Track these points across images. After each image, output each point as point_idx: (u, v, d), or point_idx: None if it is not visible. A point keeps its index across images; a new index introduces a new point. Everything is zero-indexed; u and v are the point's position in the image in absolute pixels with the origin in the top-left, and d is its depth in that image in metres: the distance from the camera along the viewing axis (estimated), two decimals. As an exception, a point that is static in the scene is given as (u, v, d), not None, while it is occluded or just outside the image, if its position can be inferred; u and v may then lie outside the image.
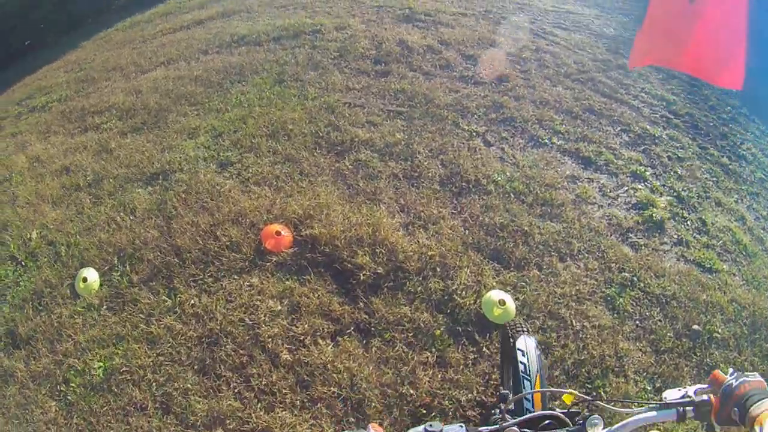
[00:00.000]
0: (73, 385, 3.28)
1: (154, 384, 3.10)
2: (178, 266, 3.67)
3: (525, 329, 2.35)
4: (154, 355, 3.23)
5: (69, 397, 3.26)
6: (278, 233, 3.66)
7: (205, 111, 5.52)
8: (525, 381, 2.03)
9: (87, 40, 10.12)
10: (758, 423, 0.96)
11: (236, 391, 2.97)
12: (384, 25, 6.83)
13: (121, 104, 6.13)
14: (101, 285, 3.79)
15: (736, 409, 1.09)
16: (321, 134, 4.75)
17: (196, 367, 3.12)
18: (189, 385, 3.02)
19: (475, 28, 7.05)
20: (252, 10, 8.62)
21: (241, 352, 3.12)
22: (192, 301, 3.42)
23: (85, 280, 3.78)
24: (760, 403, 1.03)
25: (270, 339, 3.14)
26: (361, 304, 3.31)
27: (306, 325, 3.19)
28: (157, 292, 3.58)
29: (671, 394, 1.28)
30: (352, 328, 3.21)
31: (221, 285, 3.48)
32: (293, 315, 3.28)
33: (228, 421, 2.84)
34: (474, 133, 4.91)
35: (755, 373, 1.18)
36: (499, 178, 4.35)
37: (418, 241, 3.67)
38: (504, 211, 4.02)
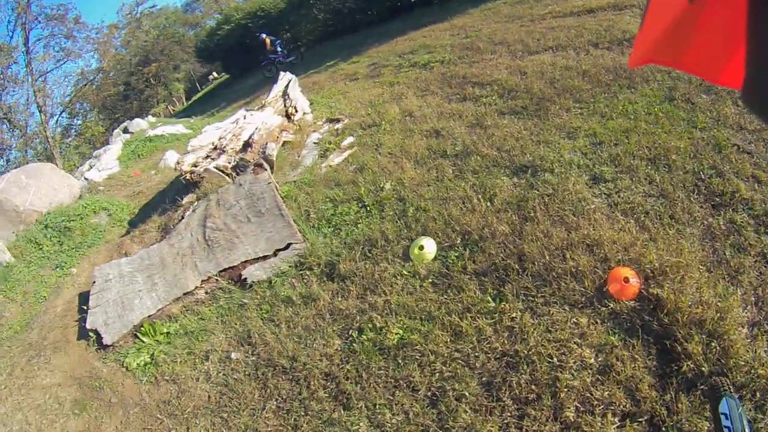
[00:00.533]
0: (364, 337, 3.44)
1: (437, 374, 3.04)
2: (516, 273, 3.45)
3: (726, 391, 2.20)
4: (453, 348, 3.14)
5: (354, 345, 3.44)
6: (626, 280, 3.12)
7: (589, 112, 5.08)
8: None
9: (474, 8, 10.57)
10: None
11: (505, 422, 2.71)
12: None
13: (504, 82, 6.13)
14: (435, 259, 3.82)
15: None
16: (702, 176, 3.88)
17: (484, 379, 2.93)
18: (466, 393, 2.87)
19: None
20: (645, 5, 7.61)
21: (532, 387, 2.80)
22: (514, 314, 3.19)
23: (421, 248, 3.87)
24: None
25: (566, 390, 2.73)
26: (668, 396, 2.60)
27: (606, 392, 2.67)
28: (485, 289, 3.44)
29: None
30: (645, 417, 2.56)
31: (549, 310, 3.15)
32: (600, 375, 2.77)
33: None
34: None
35: None
36: None
37: (756, 353, 2.66)
38: None
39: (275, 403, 3.47)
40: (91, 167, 10.46)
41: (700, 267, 3.18)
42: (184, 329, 4.51)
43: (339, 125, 6.82)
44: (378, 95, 7.19)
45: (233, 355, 4.03)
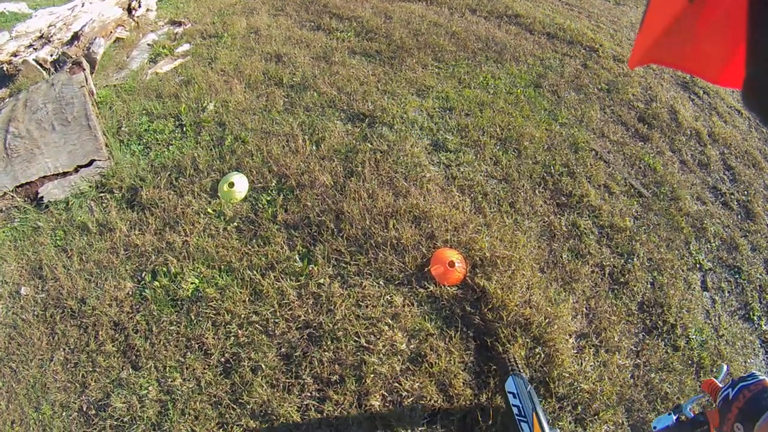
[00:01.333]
0: (157, 282, 3.11)
1: (231, 339, 2.80)
2: (330, 233, 3.23)
3: (513, 369, 2.21)
4: (251, 309, 2.91)
5: (146, 291, 3.09)
6: (452, 264, 2.97)
7: (447, 74, 4.89)
8: (522, 424, 1.92)
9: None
10: None
11: (305, 403, 2.57)
12: (663, 80, 5.63)
13: (365, 20, 5.72)
14: (245, 200, 3.51)
15: (739, 425, 0.99)
16: (552, 171, 3.88)
17: (283, 350, 2.75)
18: (263, 365, 2.68)
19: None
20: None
21: (335, 367, 2.65)
22: (321, 280, 2.98)
23: (231, 185, 3.54)
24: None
25: (372, 375, 2.61)
26: (484, 397, 2.59)
27: (417, 384, 2.59)
28: (294, 245, 3.20)
29: (661, 422, 1.19)
30: (458, 416, 2.52)
31: (362, 282, 2.96)
32: (412, 364, 2.67)
33: (273, 422, 2.50)
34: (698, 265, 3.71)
35: (755, 373, 1.07)
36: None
37: (582, 366, 2.78)
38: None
39: (63, 353, 3.02)
40: None
41: (534, 265, 3.15)
42: (-30, 252, 3.77)
43: (179, 29, 6.02)
44: (230, 5, 6.48)
45: (23, 290, 3.45)
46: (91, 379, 2.85)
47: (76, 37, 5.61)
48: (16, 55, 5.52)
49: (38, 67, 5.39)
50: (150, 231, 3.43)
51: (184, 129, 4.21)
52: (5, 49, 5.57)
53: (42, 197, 3.98)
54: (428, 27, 5.61)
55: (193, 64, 5.09)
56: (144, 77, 5.08)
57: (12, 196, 4.06)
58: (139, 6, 6.47)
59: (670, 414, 1.23)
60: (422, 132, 4.03)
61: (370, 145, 3.81)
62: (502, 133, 4.09)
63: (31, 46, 5.67)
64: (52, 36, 5.70)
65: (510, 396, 2.05)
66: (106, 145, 4.20)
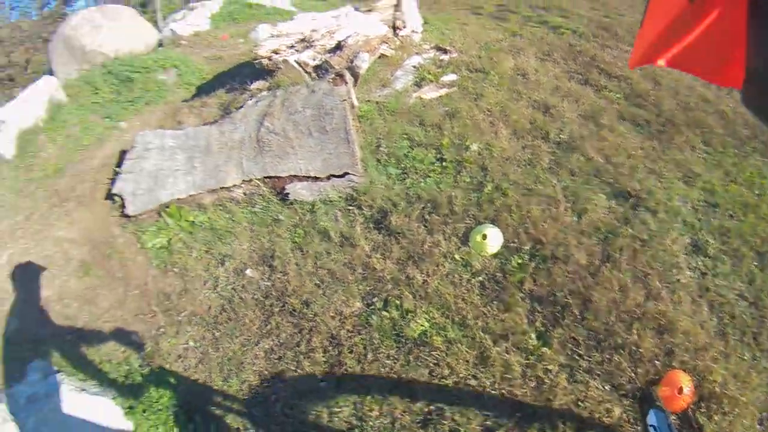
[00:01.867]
0: (386, 313, 3.14)
1: (443, 394, 2.71)
2: (573, 319, 2.92)
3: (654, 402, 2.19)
4: (472, 374, 2.76)
5: (373, 317, 3.14)
6: (680, 390, 2.49)
7: (714, 162, 4.11)
8: None
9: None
10: None
11: None
12: None
13: (633, 83, 5.20)
14: (495, 256, 3.30)
15: None
16: None
17: (487, 424, 2.57)
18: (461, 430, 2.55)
19: None
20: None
21: None
22: (551, 367, 2.71)
23: (485, 237, 3.31)
24: None
25: None
26: None
27: None
28: (533, 321, 2.95)
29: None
30: None
31: (588, 381, 2.66)
32: None
33: None
34: None
35: None
36: None
37: None
38: None
39: (271, 343, 3.20)
40: (184, 17, 10.03)
41: (756, 415, 2.55)
42: (210, 224, 4.24)
43: (445, 57, 6.03)
44: (496, 40, 6.38)
45: (249, 272, 3.76)
46: (289, 376, 2.95)
47: (338, 47, 5.90)
48: (276, 53, 6.02)
49: (299, 68, 5.80)
50: (392, 259, 3.43)
51: (444, 164, 4.19)
52: (265, 45, 6.10)
53: (288, 193, 4.27)
54: (696, 101, 4.92)
55: (458, 96, 5.10)
56: (407, 100, 5.18)
57: (258, 184, 4.41)
58: (404, 26, 6.63)
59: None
60: (684, 227, 3.48)
61: (630, 231, 3.40)
62: (762, 246, 3.34)
63: (292, 47, 6.11)
64: (314, 41, 6.07)
65: (651, 429, 1.98)
66: (362, 161, 4.35)
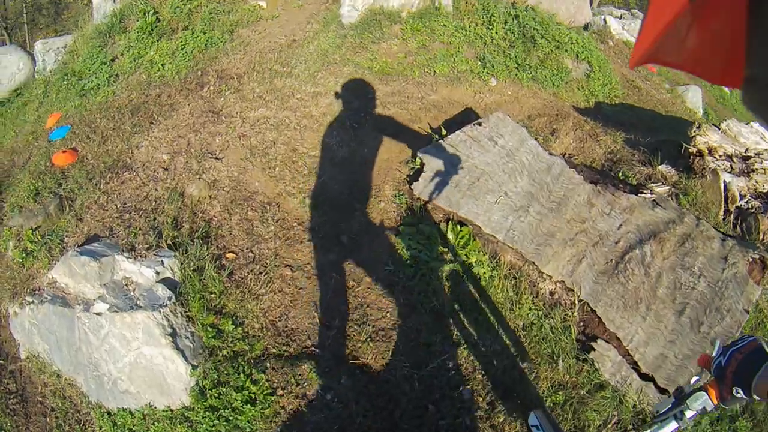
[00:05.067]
0: None
1: None
2: None
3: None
4: None
5: None
6: None
7: None
8: None
9: None
10: None
11: None
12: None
13: None
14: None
15: (737, 389, 0.99)
16: None
17: None
18: None
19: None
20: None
21: None
22: None
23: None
24: (763, 373, 0.93)
25: None
26: None
27: None
28: None
29: (663, 405, 1.21)
30: None
31: None
32: None
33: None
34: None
35: (746, 336, 1.05)
36: None
37: None
38: None
39: None
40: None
41: None
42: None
43: None
44: None
45: None
46: None
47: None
48: (711, 153, 4.33)
49: (722, 193, 4.12)
50: None
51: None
52: (703, 137, 4.45)
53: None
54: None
55: None
56: None
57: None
58: None
59: (671, 397, 1.18)
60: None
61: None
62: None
63: (729, 158, 4.39)
64: (755, 167, 4.22)
65: (534, 429, 1.97)
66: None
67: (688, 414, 1.15)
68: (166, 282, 3.41)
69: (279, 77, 4.67)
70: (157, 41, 5.33)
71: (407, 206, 3.83)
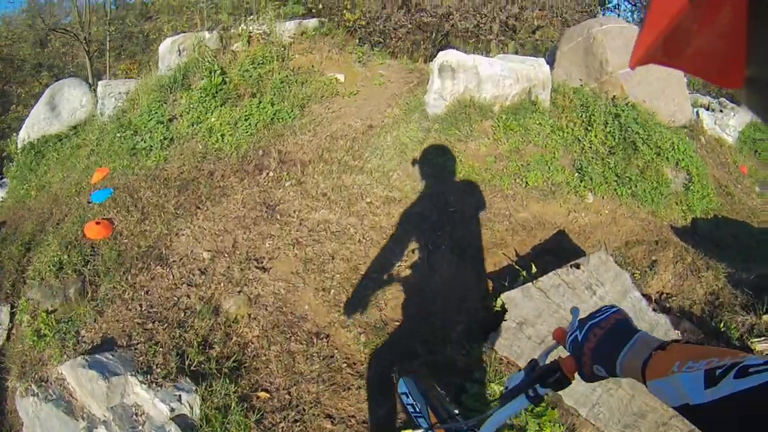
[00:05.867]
0: None
1: None
2: None
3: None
4: None
5: None
6: None
7: None
8: (419, 419, 1.89)
9: None
10: (655, 375, 0.77)
11: None
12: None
13: None
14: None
15: (598, 366, 0.90)
16: None
17: None
18: None
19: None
20: None
21: None
22: None
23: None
24: (630, 351, 0.85)
25: None
26: None
27: None
28: None
29: (513, 380, 1.12)
30: None
31: None
32: None
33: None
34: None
35: (605, 307, 0.97)
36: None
37: None
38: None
39: None
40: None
41: None
42: None
43: None
44: None
45: None
46: None
47: None
48: None
49: None
50: None
51: None
52: None
53: None
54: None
55: None
56: None
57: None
58: None
59: (522, 371, 1.11)
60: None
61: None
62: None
63: None
64: None
65: (403, 397, 2.00)
66: None
67: (541, 391, 1.06)
68: (181, 421, 2.87)
69: (348, 172, 4.09)
70: (220, 106, 4.87)
71: (477, 358, 3.19)
